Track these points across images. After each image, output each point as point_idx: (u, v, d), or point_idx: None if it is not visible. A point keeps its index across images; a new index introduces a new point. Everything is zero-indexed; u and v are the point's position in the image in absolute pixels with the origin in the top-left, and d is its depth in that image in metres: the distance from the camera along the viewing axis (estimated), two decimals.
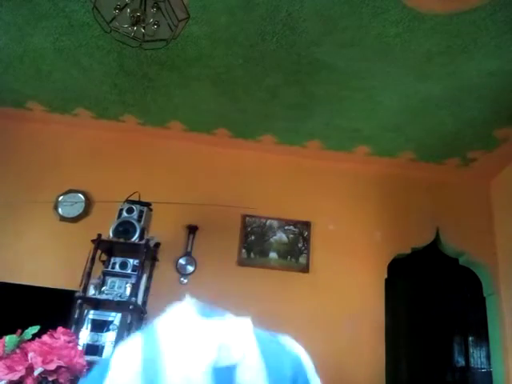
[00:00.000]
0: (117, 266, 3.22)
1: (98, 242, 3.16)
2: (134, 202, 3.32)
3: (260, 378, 0.46)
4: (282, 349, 0.52)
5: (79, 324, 2.90)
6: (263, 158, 4.03)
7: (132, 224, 3.22)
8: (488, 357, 3.99)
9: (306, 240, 3.78)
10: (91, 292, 3.08)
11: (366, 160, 4.00)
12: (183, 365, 0.44)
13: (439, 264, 4.60)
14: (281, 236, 3.80)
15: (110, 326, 2.90)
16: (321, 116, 3.47)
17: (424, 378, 5.09)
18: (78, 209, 3.64)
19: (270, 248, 3.75)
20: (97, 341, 2.85)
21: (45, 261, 3.46)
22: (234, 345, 0.48)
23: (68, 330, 1.33)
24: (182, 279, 3.54)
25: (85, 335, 2.87)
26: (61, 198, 3.67)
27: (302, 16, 2.52)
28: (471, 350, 4.56)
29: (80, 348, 1.47)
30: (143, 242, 3.17)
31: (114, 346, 2.82)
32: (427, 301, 5.31)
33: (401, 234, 3.86)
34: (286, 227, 3.82)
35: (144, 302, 3.25)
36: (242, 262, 3.66)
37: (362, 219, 3.88)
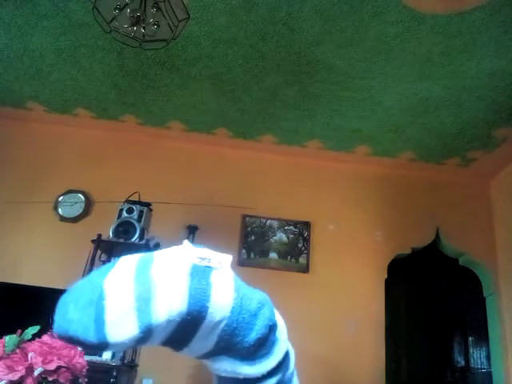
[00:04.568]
0: None
1: (98, 242, 3.16)
2: (134, 202, 3.32)
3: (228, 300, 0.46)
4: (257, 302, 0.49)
5: None
6: (263, 158, 4.03)
7: (132, 224, 3.21)
8: (488, 357, 3.99)
9: (306, 240, 3.78)
10: None
11: (366, 160, 4.00)
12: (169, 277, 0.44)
13: (439, 264, 4.60)
14: (281, 236, 3.79)
15: None
16: (321, 116, 3.47)
17: (424, 377, 5.10)
18: (77, 209, 3.64)
19: (270, 248, 3.75)
20: None
21: (45, 261, 3.46)
22: (215, 258, 0.50)
23: None
24: None
25: None
26: (61, 198, 3.67)
27: (301, 16, 2.52)
28: (471, 350, 4.56)
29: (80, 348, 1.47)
30: (143, 242, 3.16)
31: None
32: (427, 301, 5.31)
33: (401, 234, 3.86)
34: (286, 227, 3.82)
35: None
36: (242, 262, 3.65)
37: (362, 219, 3.88)
